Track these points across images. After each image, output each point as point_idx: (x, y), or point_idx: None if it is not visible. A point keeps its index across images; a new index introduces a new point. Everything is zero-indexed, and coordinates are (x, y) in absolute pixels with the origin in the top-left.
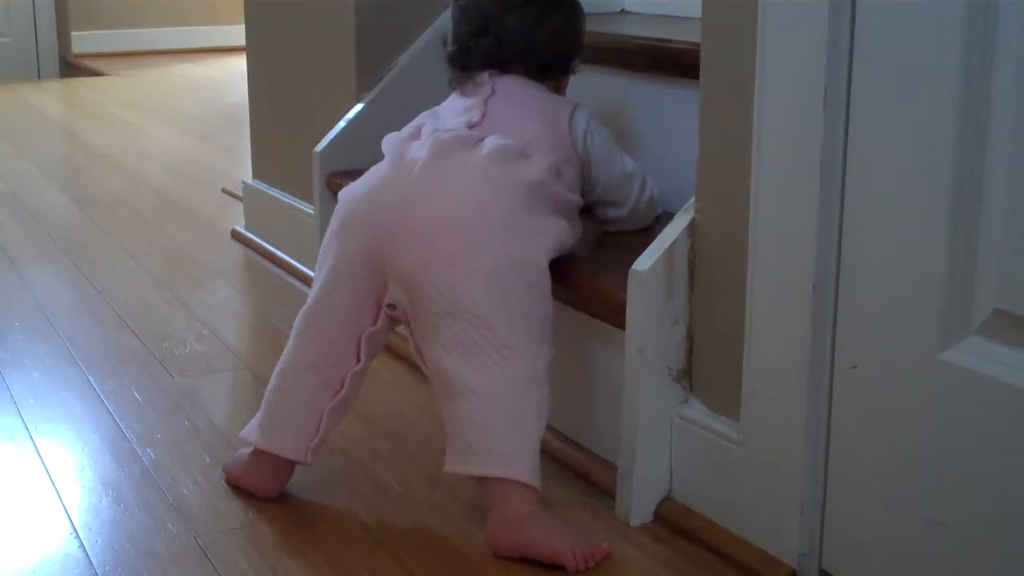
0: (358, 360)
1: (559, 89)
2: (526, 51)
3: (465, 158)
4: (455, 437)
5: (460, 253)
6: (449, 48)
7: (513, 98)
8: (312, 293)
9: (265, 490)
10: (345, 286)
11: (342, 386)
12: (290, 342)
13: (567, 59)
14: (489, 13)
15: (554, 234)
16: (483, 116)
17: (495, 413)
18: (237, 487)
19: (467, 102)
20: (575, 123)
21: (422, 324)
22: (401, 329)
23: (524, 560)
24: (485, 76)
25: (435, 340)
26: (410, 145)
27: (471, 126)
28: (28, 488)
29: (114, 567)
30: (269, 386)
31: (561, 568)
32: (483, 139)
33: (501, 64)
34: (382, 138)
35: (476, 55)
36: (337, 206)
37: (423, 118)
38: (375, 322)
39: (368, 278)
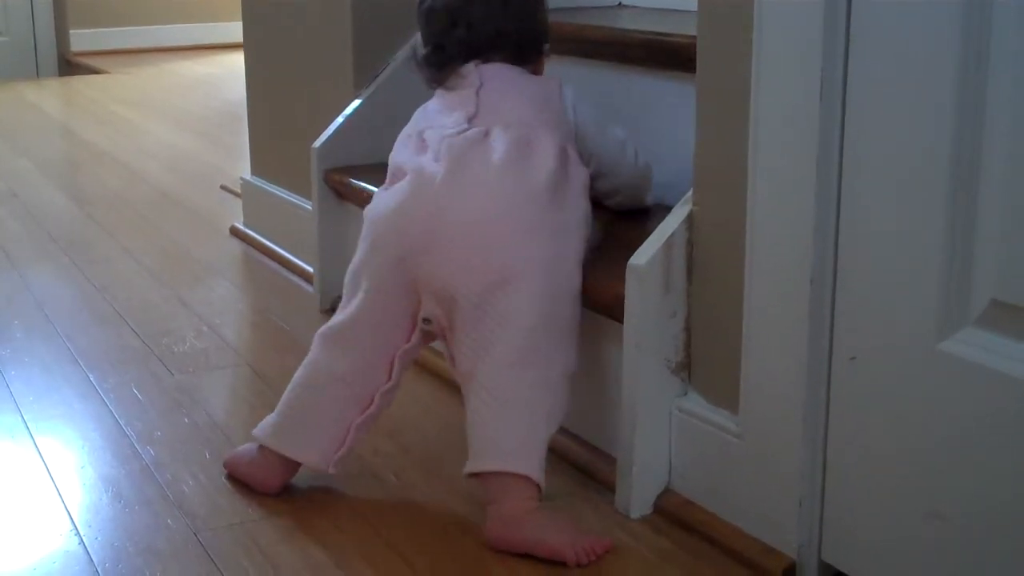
0: (389, 378)
1: (536, 72)
2: (498, 34)
3: (481, 163)
4: (470, 437)
5: (488, 261)
6: (422, 51)
7: (502, 85)
8: (346, 310)
9: (268, 486)
10: (381, 305)
11: (371, 402)
12: (317, 353)
13: (537, 40)
14: (454, 7)
15: (579, 225)
16: (477, 107)
17: (504, 412)
18: (238, 482)
19: (458, 95)
20: (564, 98)
21: (457, 335)
22: (436, 345)
23: (523, 554)
24: (470, 67)
25: (463, 345)
26: (424, 158)
27: (470, 119)
28: (28, 486)
29: (114, 564)
30: (290, 392)
31: (562, 564)
32: (489, 132)
33: (478, 53)
34: (379, 133)
35: (452, 49)
36: (365, 226)
37: (419, 122)
38: (409, 339)
39: (402, 295)
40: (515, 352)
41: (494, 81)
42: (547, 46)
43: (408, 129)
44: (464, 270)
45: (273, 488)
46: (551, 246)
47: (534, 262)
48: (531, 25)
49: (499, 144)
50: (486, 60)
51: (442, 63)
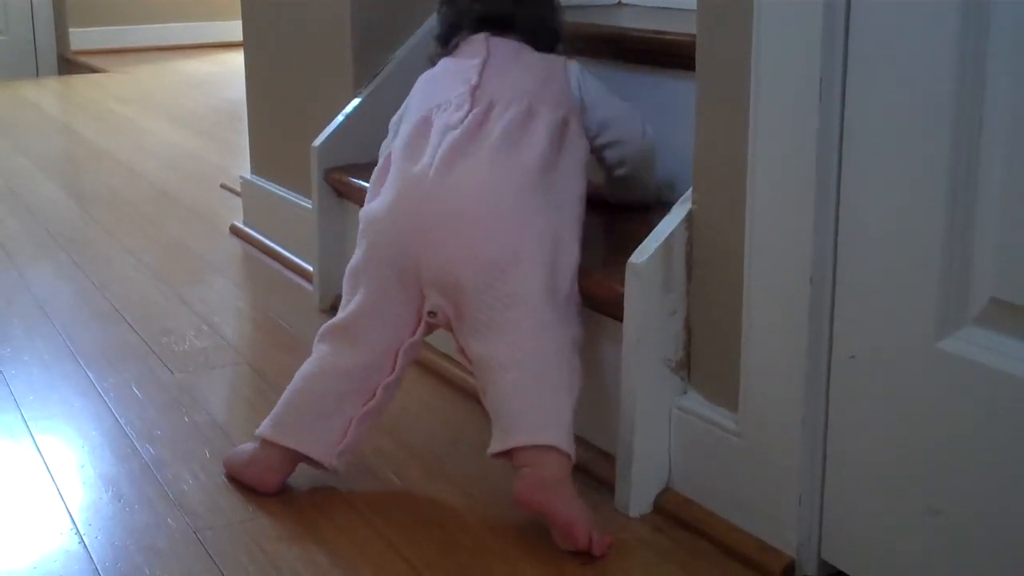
0: (392, 371)
1: None
2: (514, 9)
3: (473, 152)
4: (495, 418)
5: (487, 246)
6: (437, 30)
7: (508, 57)
8: (348, 307)
9: (267, 484)
10: (384, 301)
11: (373, 395)
12: (320, 349)
13: (552, 33)
14: None
15: (573, 203)
16: (480, 76)
17: (525, 387)
18: (237, 481)
19: (464, 63)
20: (570, 72)
21: (466, 322)
22: (437, 344)
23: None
24: (481, 37)
25: (473, 330)
26: (418, 152)
27: (473, 91)
28: (28, 485)
29: (114, 563)
30: (292, 386)
31: (558, 557)
32: (490, 110)
33: (494, 26)
34: (379, 132)
35: (466, 24)
36: (361, 226)
37: (426, 97)
38: (414, 333)
39: (405, 291)
40: (528, 330)
41: (502, 53)
42: (561, 44)
43: (414, 105)
44: (465, 258)
45: (272, 486)
46: (547, 224)
47: (533, 241)
48: (546, 14)
49: (496, 126)
50: (497, 34)
51: (454, 27)
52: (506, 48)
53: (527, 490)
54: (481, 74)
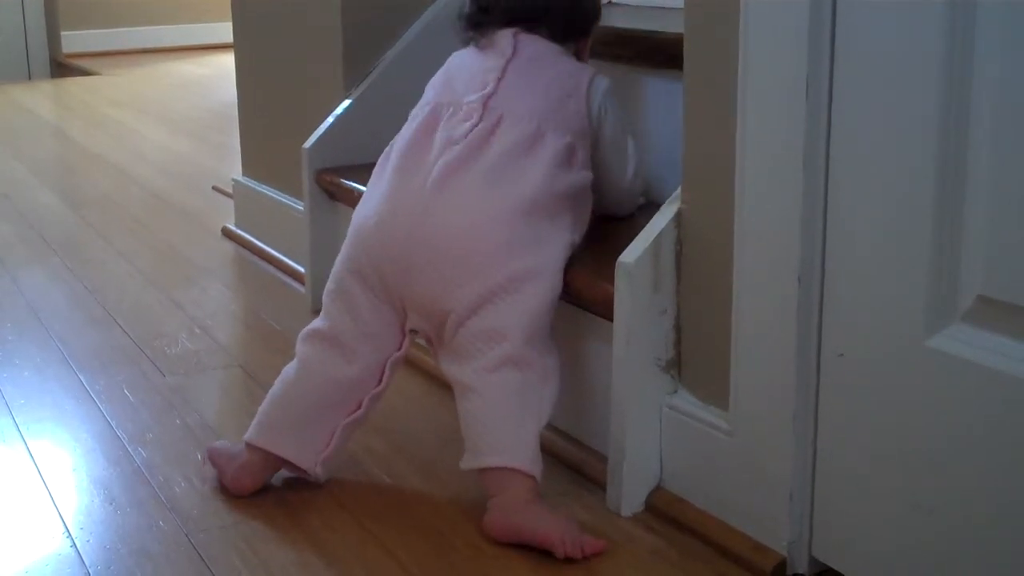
0: (379, 383)
1: (579, 54)
2: (548, 6)
3: (470, 174)
4: (464, 436)
5: (473, 279)
6: (466, 9)
7: (533, 61)
8: (340, 317)
9: (240, 486)
10: (374, 316)
11: (359, 406)
12: (305, 354)
13: (587, 19)
14: None
15: (564, 234)
16: (499, 82)
17: (493, 413)
18: (218, 480)
19: (486, 63)
20: (592, 93)
21: (445, 345)
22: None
23: (517, 549)
24: (507, 33)
25: (449, 352)
26: (417, 159)
27: (486, 100)
28: (20, 488)
29: (106, 566)
30: (276, 391)
31: (552, 557)
32: (498, 125)
33: (522, 22)
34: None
35: (496, 13)
36: (350, 232)
37: (443, 80)
38: (400, 347)
39: (391, 307)
40: (502, 360)
41: (527, 55)
42: (595, 25)
43: (434, 87)
44: (450, 288)
45: (244, 490)
46: (535, 259)
47: (519, 277)
48: (583, 3)
49: (498, 145)
50: (528, 30)
51: (481, 24)
52: (533, 49)
53: (494, 522)
54: (500, 80)
